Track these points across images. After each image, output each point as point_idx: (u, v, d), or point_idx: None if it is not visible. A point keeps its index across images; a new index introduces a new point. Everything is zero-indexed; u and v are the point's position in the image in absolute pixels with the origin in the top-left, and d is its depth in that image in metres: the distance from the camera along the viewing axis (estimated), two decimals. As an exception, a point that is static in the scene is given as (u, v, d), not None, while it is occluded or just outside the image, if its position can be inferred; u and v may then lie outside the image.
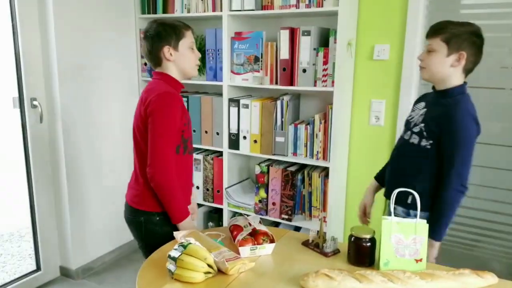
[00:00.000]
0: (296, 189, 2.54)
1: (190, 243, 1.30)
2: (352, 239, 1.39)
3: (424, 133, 1.61)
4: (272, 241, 1.45)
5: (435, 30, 1.60)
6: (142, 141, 1.65)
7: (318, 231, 1.51)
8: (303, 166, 2.59)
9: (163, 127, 1.57)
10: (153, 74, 1.75)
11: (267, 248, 1.44)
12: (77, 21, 2.55)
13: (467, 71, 1.61)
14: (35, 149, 2.52)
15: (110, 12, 2.73)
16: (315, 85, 2.40)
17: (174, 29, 1.68)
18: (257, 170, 2.61)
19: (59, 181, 2.63)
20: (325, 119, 2.41)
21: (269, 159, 2.65)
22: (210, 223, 2.90)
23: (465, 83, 1.63)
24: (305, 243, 1.52)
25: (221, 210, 2.79)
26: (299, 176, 2.53)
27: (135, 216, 1.70)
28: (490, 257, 2.42)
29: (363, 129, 2.57)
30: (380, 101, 2.48)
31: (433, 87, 1.70)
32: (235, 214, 2.78)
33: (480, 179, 2.37)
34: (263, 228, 1.47)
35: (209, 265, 1.28)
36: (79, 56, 2.59)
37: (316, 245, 1.48)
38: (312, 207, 2.54)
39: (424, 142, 1.61)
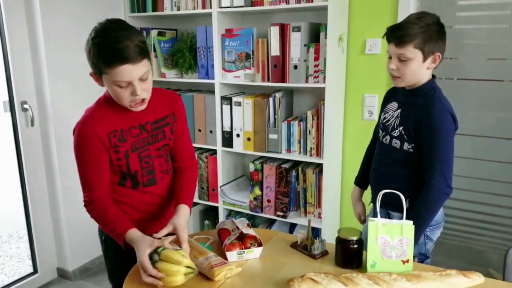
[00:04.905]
0: (290, 186, 2.53)
1: (164, 249, 1.27)
2: (339, 241, 1.38)
3: (405, 136, 1.57)
4: (260, 244, 1.45)
5: (402, 38, 1.48)
6: None
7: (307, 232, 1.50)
8: (297, 163, 2.57)
9: (77, 168, 1.40)
10: None
11: (254, 252, 1.43)
12: (65, 22, 2.53)
13: (435, 66, 1.58)
14: (28, 152, 2.52)
15: (99, 11, 2.70)
16: (306, 82, 2.38)
17: (98, 57, 1.27)
18: (251, 167, 2.60)
19: (53, 183, 2.63)
20: (318, 115, 2.39)
21: (263, 157, 2.64)
22: (206, 221, 2.90)
23: (433, 76, 1.60)
24: (294, 245, 1.51)
25: (216, 208, 2.79)
26: (293, 173, 2.52)
27: (99, 232, 1.62)
28: (487, 249, 2.41)
29: (356, 124, 2.55)
30: (373, 95, 2.46)
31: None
32: (230, 212, 2.78)
33: (476, 171, 2.36)
34: (250, 232, 1.46)
35: (188, 266, 1.26)
36: (69, 57, 2.56)
37: (305, 247, 1.47)
38: (307, 204, 2.53)
39: (406, 146, 1.58)
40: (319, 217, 2.48)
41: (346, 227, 1.41)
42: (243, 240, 1.44)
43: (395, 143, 1.61)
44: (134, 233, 1.34)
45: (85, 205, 1.43)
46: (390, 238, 1.31)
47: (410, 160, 1.58)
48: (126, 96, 1.32)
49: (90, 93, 2.69)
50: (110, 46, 1.25)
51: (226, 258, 1.39)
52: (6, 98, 2.43)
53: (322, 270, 1.34)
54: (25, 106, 2.45)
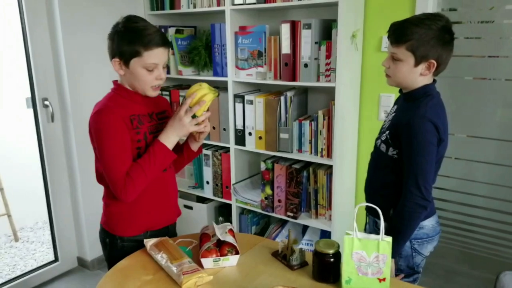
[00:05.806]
0: (301, 187, 2.47)
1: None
2: (315, 254, 1.32)
3: (390, 141, 1.49)
4: (237, 252, 1.42)
5: (397, 37, 1.41)
6: (96, 160, 1.51)
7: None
8: (309, 163, 2.51)
9: (105, 152, 1.40)
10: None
11: (231, 260, 1.41)
12: (85, 20, 2.60)
13: (438, 72, 1.46)
14: (49, 146, 2.64)
15: (118, 9, 2.76)
16: (318, 80, 2.30)
17: (131, 41, 1.36)
18: (263, 166, 2.56)
19: (73, 176, 2.75)
20: (329, 115, 2.31)
21: (275, 156, 2.60)
22: (220, 218, 2.91)
23: (434, 80, 1.49)
24: (275, 254, 1.47)
25: (230, 205, 2.79)
26: (305, 173, 2.46)
27: (102, 235, 1.61)
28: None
29: (372, 124, 2.44)
30: (389, 95, 2.34)
31: (400, 90, 1.57)
32: (243, 210, 2.77)
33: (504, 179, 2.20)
34: (228, 238, 1.43)
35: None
36: (88, 54, 2.64)
37: (284, 257, 1.43)
38: (318, 205, 2.46)
39: (391, 151, 1.50)
40: (330, 219, 2.41)
41: (324, 239, 1.35)
42: (221, 247, 1.42)
43: (382, 147, 1.54)
44: (159, 136, 1.46)
45: (119, 195, 1.42)
46: (366, 254, 1.24)
47: (394, 166, 1.49)
48: (149, 79, 1.42)
49: (108, 90, 2.79)
50: (146, 30, 1.37)
51: (202, 265, 1.38)
52: (29, 95, 2.56)
53: (297, 282, 1.30)
54: (46, 102, 2.56)
